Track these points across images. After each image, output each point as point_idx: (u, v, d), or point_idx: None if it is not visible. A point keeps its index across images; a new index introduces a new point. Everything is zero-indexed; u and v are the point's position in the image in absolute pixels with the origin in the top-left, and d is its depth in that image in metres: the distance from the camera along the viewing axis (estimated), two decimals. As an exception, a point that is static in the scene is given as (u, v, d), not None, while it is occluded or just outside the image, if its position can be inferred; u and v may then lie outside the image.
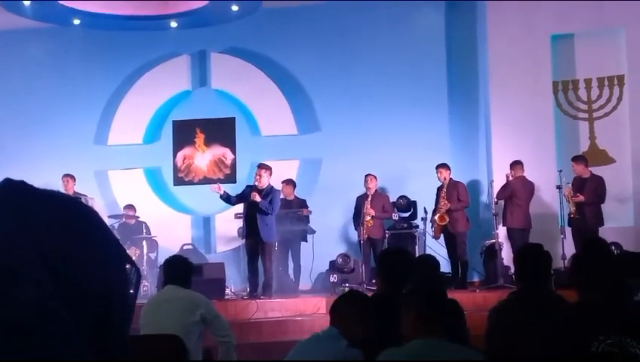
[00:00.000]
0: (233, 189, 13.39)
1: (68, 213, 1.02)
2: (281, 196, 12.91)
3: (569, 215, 11.69)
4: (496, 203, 12.10)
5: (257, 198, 10.95)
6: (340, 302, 4.43)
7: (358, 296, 4.76)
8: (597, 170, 12.18)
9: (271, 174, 11.38)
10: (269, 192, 11.14)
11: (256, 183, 11.20)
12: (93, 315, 0.98)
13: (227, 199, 11.45)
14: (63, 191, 9.37)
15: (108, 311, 1.00)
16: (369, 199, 12.10)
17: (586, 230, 11.50)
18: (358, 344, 4.19)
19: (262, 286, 11.19)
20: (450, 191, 11.93)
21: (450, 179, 12.04)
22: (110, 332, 1.01)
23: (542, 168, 12.50)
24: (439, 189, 12.07)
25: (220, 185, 11.38)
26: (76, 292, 0.97)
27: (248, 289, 11.30)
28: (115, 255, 1.05)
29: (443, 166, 12.08)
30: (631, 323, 3.18)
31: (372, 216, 12.04)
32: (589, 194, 11.68)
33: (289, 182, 13.08)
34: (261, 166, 11.44)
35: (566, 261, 11.22)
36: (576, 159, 12.06)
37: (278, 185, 12.67)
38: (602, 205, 11.77)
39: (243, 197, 11.32)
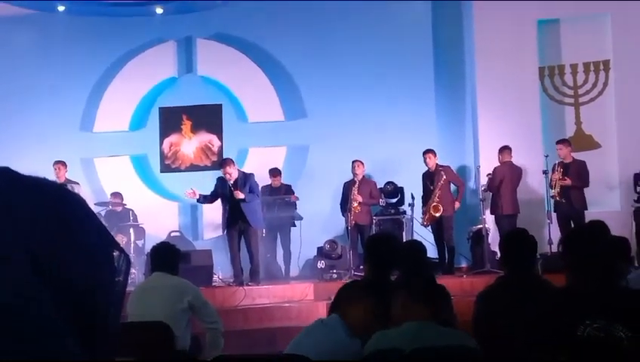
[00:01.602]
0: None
1: (55, 203, 1.00)
2: (269, 183, 12.92)
3: (552, 197, 11.71)
4: (484, 190, 12.14)
5: (241, 195, 10.84)
6: (345, 289, 4.41)
7: (358, 284, 4.74)
8: (583, 155, 12.21)
9: (235, 164, 11.28)
10: (244, 181, 11.04)
11: (231, 181, 10.94)
12: (81, 311, 0.97)
13: (204, 200, 11.37)
14: (52, 178, 9.33)
15: (96, 306, 0.99)
16: (356, 185, 12.09)
17: (571, 214, 11.55)
18: (359, 331, 4.18)
19: (249, 272, 11.18)
20: (444, 177, 11.89)
21: (437, 164, 12.05)
22: (97, 327, 1.00)
23: (528, 153, 12.54)
24: (427, 177, 12.06)
25: (194, 190, 11.21)
26: (63, 288, 0.95)
27: (233, 276, 11.27)
28: (102, 244, 1.04)
29: (430, 151, 12.08)
30: (619, 307, 3.19)
31: (359, 202, 12.04)
32: (573, 178, 11.72)
33: (274, 171, 13.06)
34: (224, 162, 11.21)
35: (552, 245, 11.28)
36: (562, 142, 12.08)
37: (264, 173, 12.68)
38: (586, 189, 11.82)
39: (217, 192, 11.19)
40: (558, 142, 12.07)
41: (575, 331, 3.14)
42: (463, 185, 12.40)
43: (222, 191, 11.08)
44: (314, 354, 3.88)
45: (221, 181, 11.18)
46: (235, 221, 10.99)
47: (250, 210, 10.95)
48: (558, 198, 11.65)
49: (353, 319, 4.14)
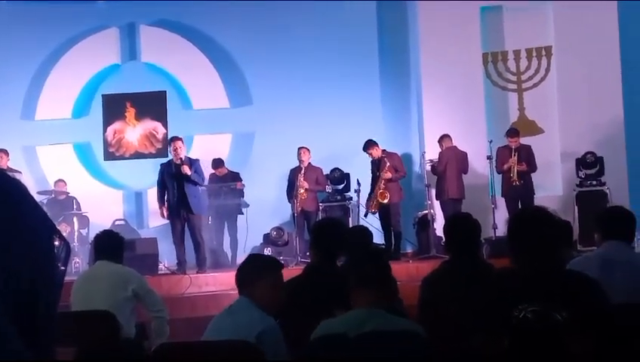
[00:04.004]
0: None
1: None
2: (212, 172, 12.86)
3: (511, 183, 11.81)
4: (433, 171, 12.21)
5: (188, 170, 10.79)
6: (244, 268, 4.31)
7: (259, 258, 4.67)
8: (526, 141, 12.36)
9: (184, 144, 11.25)
10: (190, 163, 10.98)
11: (180, 157, 10.93)
12: (22, 300, 0.95)
13: (162, 200, 11.23)
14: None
15: (37, 295, 0.97)
16: (302, 172, 12.09)
17: (522, 198, 11.71)
18: (272, 311, 4.15)
19: (196, 261, 11.13)
20: (389, 164, 11.93)
21: (384, 151, 12.08)
22: (38, 316, 0.98)
23: (472, 139, 12.65)
24: (374, 164, 12.09)
25: (164, 211, 11.16)
26: (4, 277, 0.93)
27: (177, 265, 11.21)
28: (44, 232, 1.02)
29: (370, 145, 12.04)
30: (557, 290, 3.23)
31: (305, 188, 12.04)
32: (525, 162, 11.91)
33: (219, 163, 12.96)
34: (175, 139, 11.20)
35: (497, 230, 11.42)
36: (516, 134, 12.14)
37: (208, 160, 12.61)
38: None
39: (162, 178, 11.10)
40: (512, 136, 12.08)
41: (513, 314, 3.17)
42: (405, 175, 12.35)
43: (167, 174, 10.99)
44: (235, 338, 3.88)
45: (165, 165, 11.13)
46: (178, 208, 10.93)
47: (192, 196, 10.90)
48: (517, 183, 11.78)
49: (260, 298, 4.10)
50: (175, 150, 10.98)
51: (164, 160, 11.62)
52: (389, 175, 11.83)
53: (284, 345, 3.97)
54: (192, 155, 12.07)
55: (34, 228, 1.02)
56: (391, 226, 11.99)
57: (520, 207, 11.40)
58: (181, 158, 10.92)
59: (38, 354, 1.00)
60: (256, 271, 4.20)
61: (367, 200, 12.09)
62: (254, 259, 4.51)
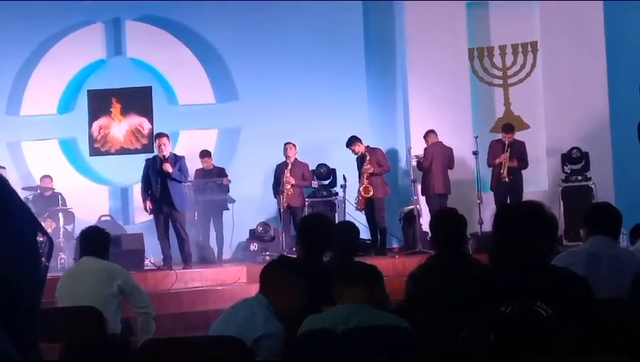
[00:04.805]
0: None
1: None
2: (200, 166, 12.85)
3: (502, 178, 11.85)
4: (419, 167, 12.22)
5: (169, 168, 10.80)
6: (271, 267, 4.38)
7: (288, 260, 4.70)
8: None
9: (170, 141, 11.25)
10: (175, 160, 10.99)
11: (163, 153, 10.94)
12: (6, 296, 0.94)
13: (145, 194, 11.23)
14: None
15: (21, 292, 0.96)
16: (289, 167, 12.09)
17: (510, 194, 11.75)
18: (287, 312, 4.15)
19: (181, 256, 11.12)
20: (370, 158, 11.97)
21: (367, 146, 12.09)
22: (22, 312, 0.97)
23: (458, 134, 12.68)
24: (360, 160, 12.10)
25: (147, 206, 11.14)
26: None
27: (163, 260, 11.20)
28: (28, 228, 1.01)
29: (353, 142, 12.05)
30: (542, 285, 3.24)
31: (292, 184, 12.04)
32: (517, 158, 11.95)
33: (205, 154, 12.98)
34: (160, 135, 11.23)
35: (483, 225, 11.45)
36: (511, 130, 12.20)
37: (195, 156, 12.60)
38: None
39: (147, 173, 11.13)
40: (507, 132, 12.15)
41: (498, 309, 3.18)
42: (388, 169, 12.38)
43: (152, 169, 10.99)
44: (236, 334, 3.87)
45: (151, 161, 11.14)
46: (161, 204, 10.93)
47: (175, 192, 10.90)
48: (507, 180, 11.82)
49: (279, 300, 4.10)
50: (159, 146, 10.99)
51: (151, 155, 11.58)
52: (370, 168, 11.84)
53: (280, 353, 3.98)
54: (178, 151, 12.06)
55: (18, 224, 1.01)
56: (376, 222, 12.00)
57: (509, 201, 11.45)
58: (164, 155, 10.91)
59: (22, 350, 0.99)
60: (279, 276, 4.23)
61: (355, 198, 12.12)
62: (281, 262, 4.52)
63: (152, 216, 11.41)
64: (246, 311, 4.12)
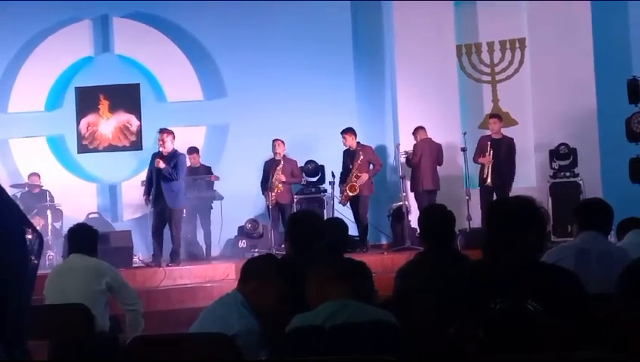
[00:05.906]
0: (139, 156, 13.32)
1: None
2: (188, 163, 12.82)
3: (485, 185, 11.87)
4: (408, 163, 12.23)
5: (161, 165, 10.85)
6: (254, 263, 4.36)
7: (272, 259, 4.69)
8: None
9: (174, 138, 11.25)
10: (173, 157, 11.02)
11: (161, 149, 11.07)
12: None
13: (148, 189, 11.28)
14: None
15: (9, 290, 0.96)
16: (281, 165, 12.06)
17: (497, 191, 11.77)
18: (262, 311, 4.15)
19: (169, 253, 11.12)
20: (362, 157, 11.95)
21: (358, 143, 12.10)
22: (11, 310, 0.97)
23: (446, 131, 12.70)
24: (347, 155, 12.11)
25: (146, 201, 11.21)
26: None
27: (151, 257, 11.19)
28: (16, 225, 1.01)
29: (348, 131, 12.10)
30: (532, 283, 3.24)
31: (282, 181, 12.04)
32: (504, 155, 11.97)
33: (193, 150, 12.96)
34: (163, 131, 11.27)
35: (471, 221, 11.48)
36: (495, 116, 12.27)
37: (183, 152, 12.58)
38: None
39: (151, 168, 11.21)
40: (492, 117, 12.23)
41: (488, 305, 3.18)
42: (381, 166, 12.43)
43: (152, 164, 11.08)
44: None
45: (152, 156, 11.27)
46: (156, 201, 10.95)
47: (168, 189, 10.91)
48: (490, 185, 11.82)
49: (256, 298, 4.11)
50: (160, 141, 11.10)
51: (139, 152, 11.57)
52: (365, 177, 11.88)
53: (260, 349, 3.98)
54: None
55: (6, 221, 1.01)
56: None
57: (495, 197, 11.46)
58: (161, 151, 10.95)
59: (10, 347, 0.99)
60: (259, 274, 4.23)
61: (340, 192, 12.13)
62: (260, 259, 4.51)
63: (140, 214, 11.42)
64: (222, 309, 4.15)
